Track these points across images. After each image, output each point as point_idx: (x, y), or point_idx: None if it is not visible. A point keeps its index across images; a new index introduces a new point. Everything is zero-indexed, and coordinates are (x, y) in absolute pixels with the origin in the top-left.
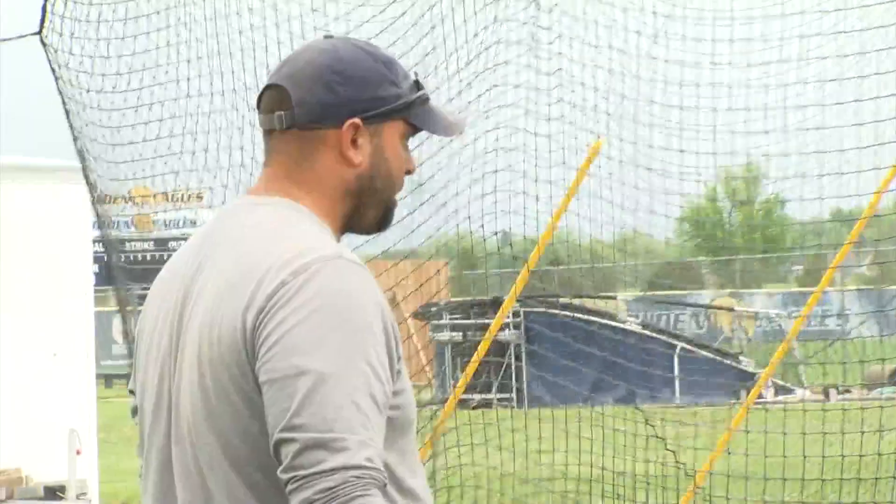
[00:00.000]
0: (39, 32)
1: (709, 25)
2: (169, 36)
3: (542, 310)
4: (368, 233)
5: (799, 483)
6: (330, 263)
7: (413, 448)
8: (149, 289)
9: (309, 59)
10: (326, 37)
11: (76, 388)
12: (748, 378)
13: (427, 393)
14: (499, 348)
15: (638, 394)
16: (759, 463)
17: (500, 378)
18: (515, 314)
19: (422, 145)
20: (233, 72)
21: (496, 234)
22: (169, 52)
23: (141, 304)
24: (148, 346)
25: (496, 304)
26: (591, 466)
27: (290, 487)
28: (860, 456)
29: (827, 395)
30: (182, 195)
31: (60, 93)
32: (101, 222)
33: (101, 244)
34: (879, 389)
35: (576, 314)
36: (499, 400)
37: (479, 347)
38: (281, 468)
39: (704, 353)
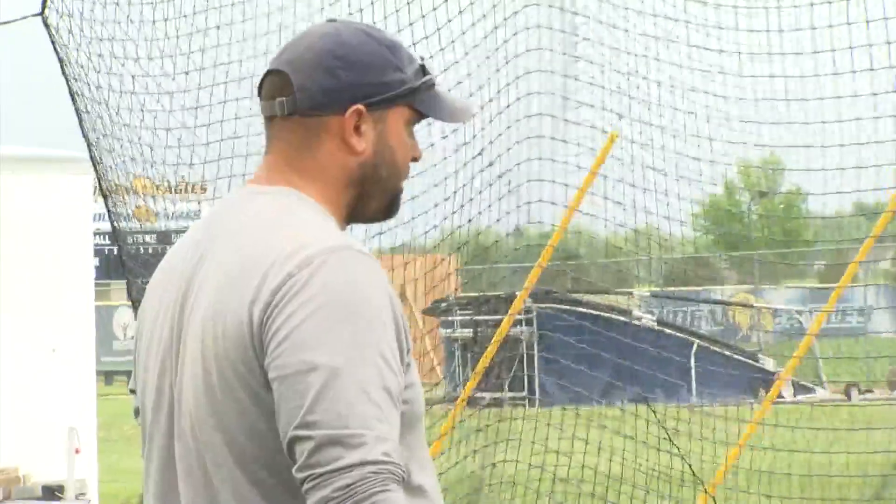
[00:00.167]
0: (42, 13)
1: (731, 14)
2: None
3: (555, 306)
4: (375, 221)
5: (818, 486)
6: (335, 254)
7: (422, 444)
8: (148, 282)
9: (310, 44)
10: (330, 20)
11: (75, 384)
12: (767, 377)
13: (439, 391)
14: (510, 345)
15: (653, 392)
16: (778, 463)
17: (511, 375)
18: (528, 310)
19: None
20: (241, 62)
21: (508, 234)
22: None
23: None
24: (148, 342)
25: (508, 299)
26: (611, 463)
27: (306, 486)
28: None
29: (848, 394)
30: (186, 187)
31: (65, 75)
32: (115, 214)
33: (102, 236)
34: None
35: (590, 310)
36: (510, 398)
37: (490, 344)
38: (296, 467)
39: (722, 350)
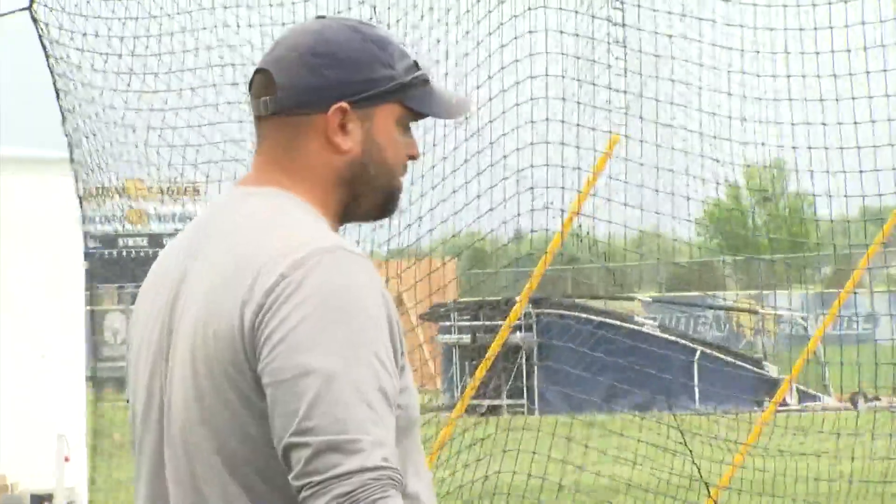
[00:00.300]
0: (30, 7)
1: (737, 12)
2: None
3: (556, 311)
4: (370, 220)
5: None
6: (328, 255)
7: (417, 449)
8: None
9: (294, 42)
10: (318, 17)
11: (65, 391)
12: (771, 384)
13: (439, 400)
14: (510, 351)
15: (655, 400)
16: (781, 471)
17: (510, 382)
18: (527, 316)
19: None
20: (233, 65)
21: (509, 241)
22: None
23: (133, 303)
24: (139, 345)
25: (507, 305)
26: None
27: (304, 494)
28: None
29: (854, 402)
30: (178, 188)
31: (51, 71)
32: (89, 219)
33: (94, 240)
34: None
35: (590, 316)
36: (509, 406)
37: (489, 350)
38: (293, 474)
39: (725, 357)
